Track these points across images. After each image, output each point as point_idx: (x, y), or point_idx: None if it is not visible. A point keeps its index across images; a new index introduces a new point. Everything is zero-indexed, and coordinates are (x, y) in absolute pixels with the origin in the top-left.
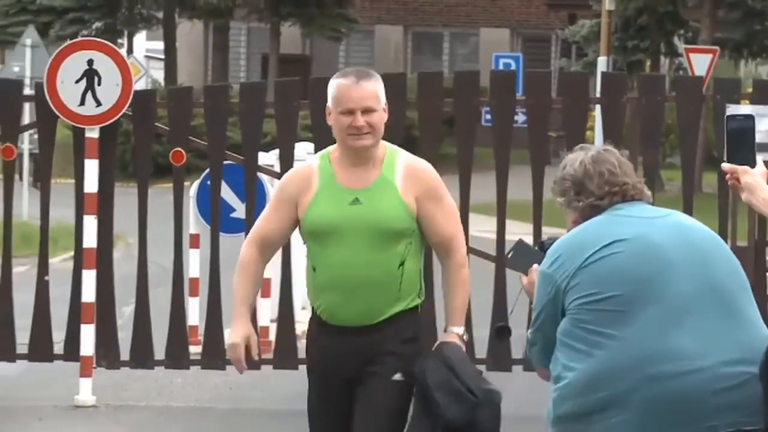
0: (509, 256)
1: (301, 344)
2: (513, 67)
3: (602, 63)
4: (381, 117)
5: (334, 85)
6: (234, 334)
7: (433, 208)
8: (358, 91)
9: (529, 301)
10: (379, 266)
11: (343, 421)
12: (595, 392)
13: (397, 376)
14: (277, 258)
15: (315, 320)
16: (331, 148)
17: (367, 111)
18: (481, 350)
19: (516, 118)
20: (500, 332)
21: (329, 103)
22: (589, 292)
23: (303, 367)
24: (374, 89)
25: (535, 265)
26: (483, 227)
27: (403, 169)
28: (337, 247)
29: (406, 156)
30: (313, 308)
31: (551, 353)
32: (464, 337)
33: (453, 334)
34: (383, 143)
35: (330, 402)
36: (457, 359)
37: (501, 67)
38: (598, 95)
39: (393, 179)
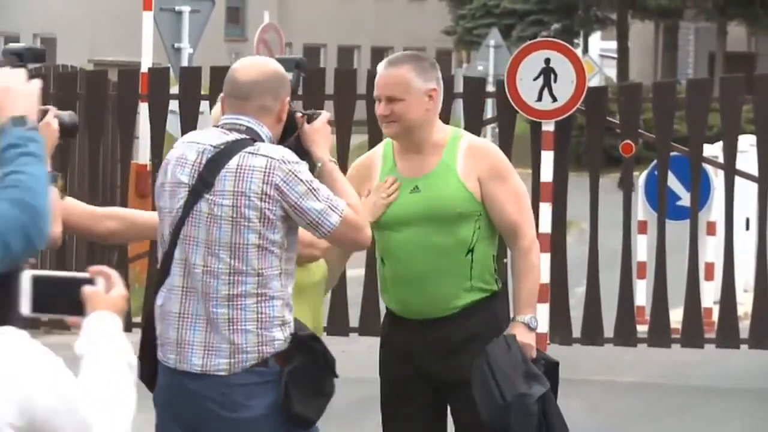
0: None
1: (743, 325)
2: None
3: None
4: (408, 106)
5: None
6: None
7: (495, 189)
8: (384, 78)
9: None
10: (446, 255)
11: (419, 424)
12: None
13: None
14: (720, 243)
15: (387, 316)
16: None
17: (391, 99)
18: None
19: None
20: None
21: None
22: None
23: (744, 347)
24: (403, 77)
25: None
26: None
27: (465, 151)
28: (402, 238)
29: (470, 138)
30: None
31: None
32: (531, 324)
33: (518, 324)
34: (448, 128)
35: (404, 403)
36: (495, 357)
37: None
38: None
39: (453, 163)
